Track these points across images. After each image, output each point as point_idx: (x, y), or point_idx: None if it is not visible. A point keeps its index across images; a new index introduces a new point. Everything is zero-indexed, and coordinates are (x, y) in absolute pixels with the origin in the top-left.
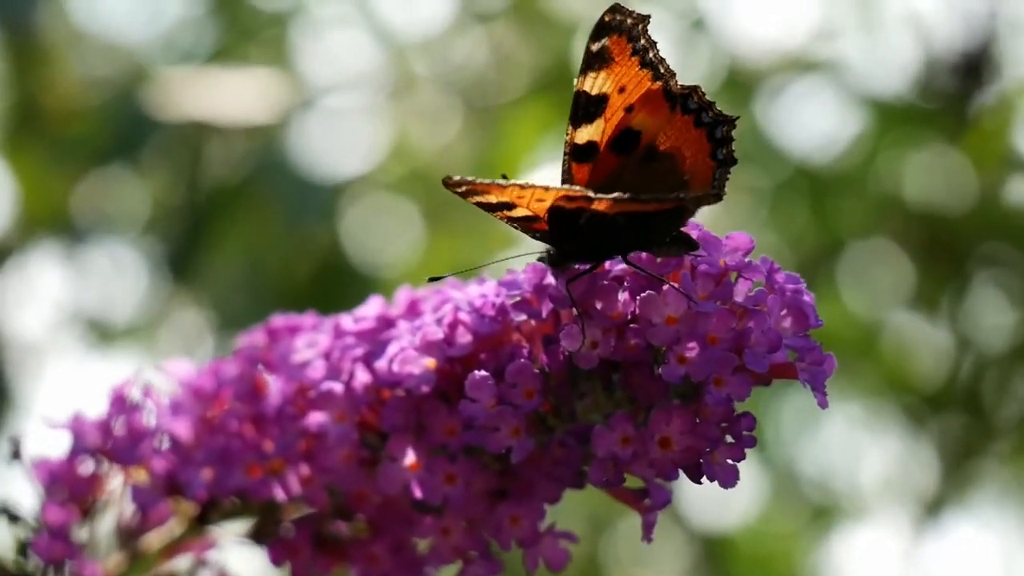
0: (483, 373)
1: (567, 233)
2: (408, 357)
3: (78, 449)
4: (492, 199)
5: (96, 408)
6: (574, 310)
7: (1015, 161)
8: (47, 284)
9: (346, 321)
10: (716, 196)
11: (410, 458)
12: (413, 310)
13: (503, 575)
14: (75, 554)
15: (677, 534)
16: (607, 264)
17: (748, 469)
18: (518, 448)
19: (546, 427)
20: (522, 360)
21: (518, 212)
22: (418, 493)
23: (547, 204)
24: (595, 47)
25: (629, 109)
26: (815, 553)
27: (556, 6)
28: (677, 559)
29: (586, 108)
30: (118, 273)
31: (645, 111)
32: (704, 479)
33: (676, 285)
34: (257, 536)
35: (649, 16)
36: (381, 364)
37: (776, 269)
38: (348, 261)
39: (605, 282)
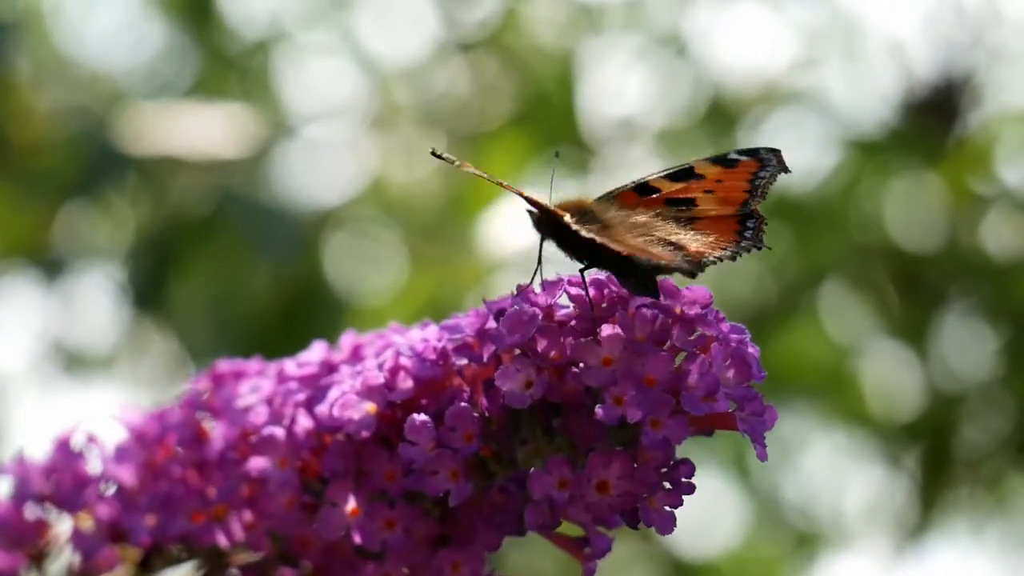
0: (423, 417)
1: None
2: (349, 402)
3: (23, 494)
4: None
5: (42, 451)
6: (516, 351)
7: (996, 190)
8: (18, 315)
9: (289, 366)
10: (695, 269)
11: (350, 503)
12: (356, 355)
13: None
14: None
15: (659, 561)
16: (554, 309)
17: (731, 496)
18: (456, 491)
19: (487, 472)
20: (462, 404)
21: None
22: (358, 539)
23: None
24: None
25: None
26: None
27: (536, 35)
28: None
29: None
30: (88, 304)
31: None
32: (641, 525)
33: (614, 327)
34: None
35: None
36: (322, 409)
37: (721, 318)
38: (324, 292)
39: (551, 323)
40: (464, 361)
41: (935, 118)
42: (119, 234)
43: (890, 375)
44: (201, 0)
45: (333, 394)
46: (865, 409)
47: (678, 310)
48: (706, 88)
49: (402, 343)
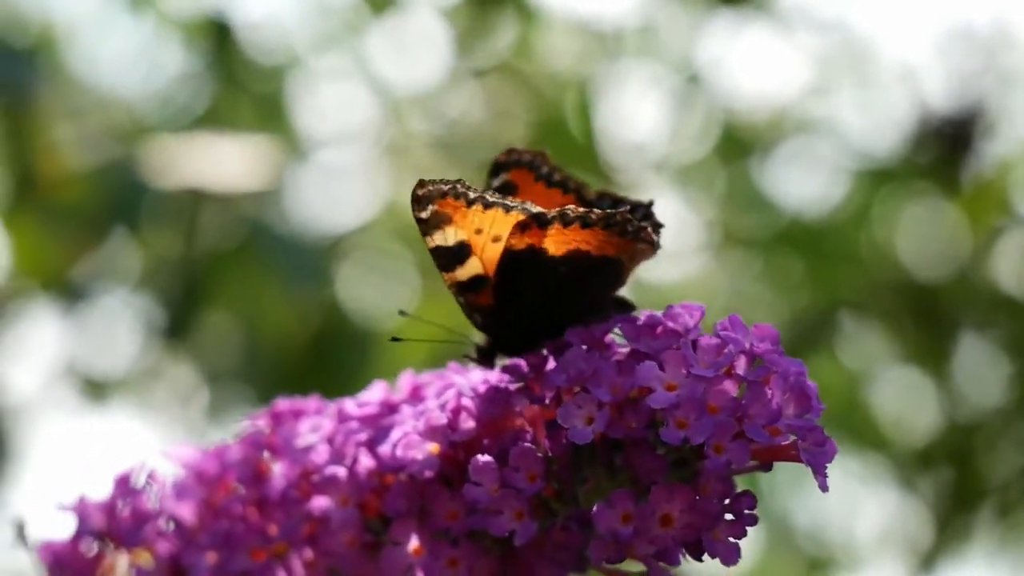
0: (487, 458)
1: (509, 305)
2: (412, 442)
3: (82, 531)
4: (451, 235)
5: (96, 478)
6: (576, 388)
7: (1010, 221)
8: (42, 341)
9: (350, 406)
10: (653, 245)
11: (413, 543)
12: (416, 395)
13: None
14: None
15: None
16: (609, 346)
17: None
18: (521, 531)
19: (549, 511)
20: (525, 444)
21: (471, 268)
22: None
23: (500, 243)
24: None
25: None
26: None
27: (549, 61)
28: None
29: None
30: (113, 330)
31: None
32: (706, 556)
33: (678, 353)
34: None
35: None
36: (384, 449)
37: (781, 352)
38: (344, 320)
39: (606, 363)
40: (525, 402)
41: (948, 145)
42: (144, 265)
43: (904, 402)
44: (219, 26)
45: (395, 434)
46: (879, 435)
47: (747, 345)
48: (719, 115)
49: (463, 383)
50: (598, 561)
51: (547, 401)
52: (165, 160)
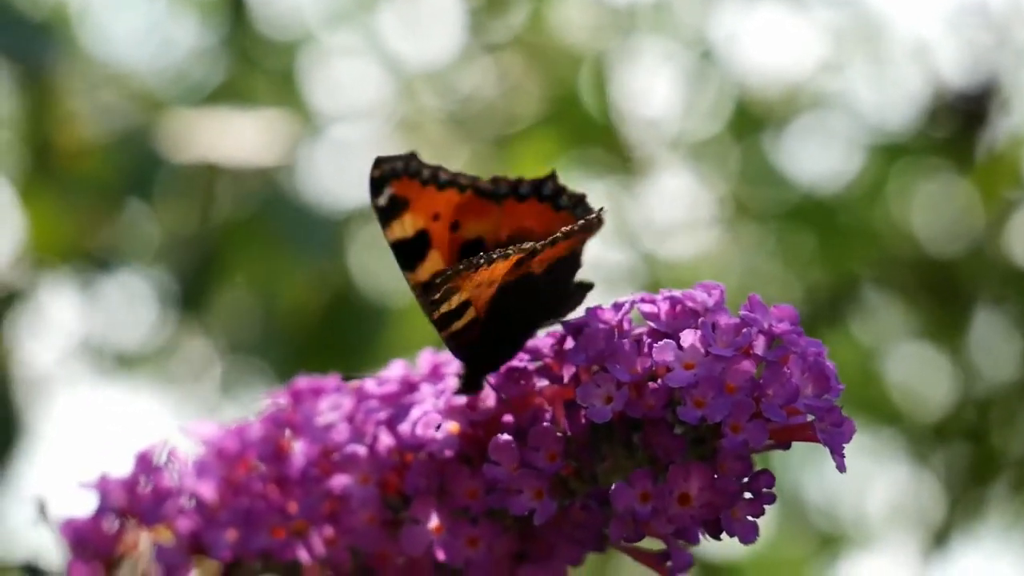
0: (506, 437)
1: (493, 332)
2: (431, 421)
3: (104, 508)
4: (455, 301)
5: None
6: (594, 368)
7: None
8: (58, 315)
9: (370, 384)
10: (599, 219)
11: (433, 521)
12: (436, 373)
13: None
14: None
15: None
16: (626, 325)
17: None
18: (541, 510)
19: (568, 490)
20: (544, 423)
21: (467, 317)
22: (441, 556)
23: (495, 285)
24: (383, 201)
25: (454, 226)
26: None
27: (563, 36)
28: None
29: (410, 251)
30: (128, 304)
31: (471, 219)
32: (724, 535)
33: (695, 333)
34: None
35: (414, 152)
36: (404, 428)
37: (800, 332)
38: (357, 294)
39: (624, 342)
40: (544, 382)
41: (961, 120)
42: (159, 238)
43: (918, 377)
44: (234, 1)
45: (415, 413)
46: (892, 411)
47: (766, 325)
48: (732, 91)
49: None
50: (617, 539)
51: (566, 381)
52: (181, 133)
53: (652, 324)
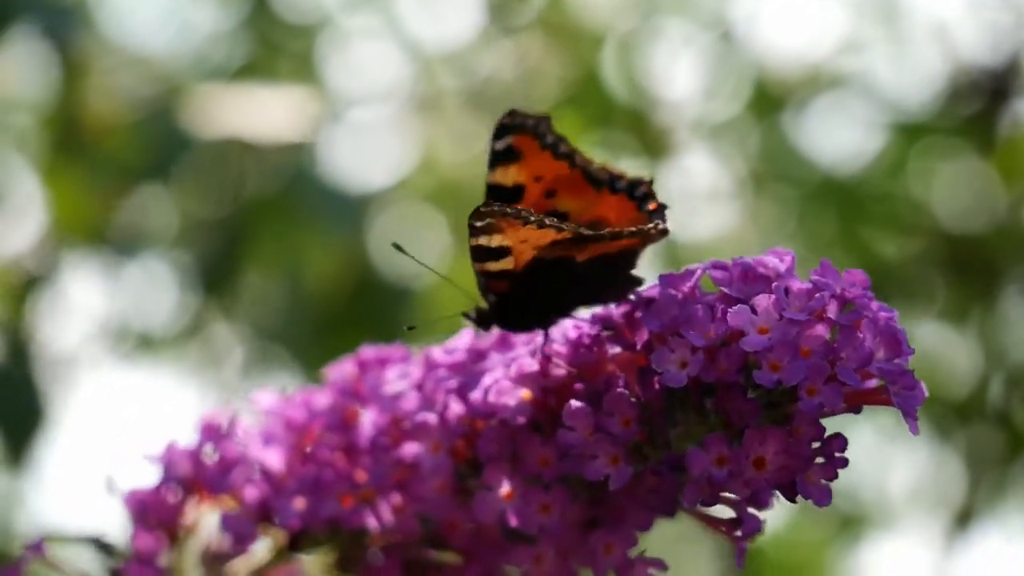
0: (581, 403)
1: (524, 294)
2: (504, 388)
3: (168, 478)
4: (496, 241)
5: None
6: (669, 334)
7: None
8: (82, 297)
9: (437, 353)
10: (664, 232)
11: (505, 488)
12: (504, 342)
13: None
14: None
15: (707, 544)
16: (697, 292)
17: None
18: (616, 476)
19: (641, 456)
20: (619, 389)
21: (504, 264)
22: (514, 522)
23: (537, 251)
24: (500, 145)
25: (549, 194)
26: (844, 563)
27: (582, 18)
28: (706, 568)
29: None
30: (152, 286)
31: (568, 194)
32: (799, 498)
33: (769, 298)
34: (344, 564)
35: (549, 116)
36: (476, 395)
37: (871, 297)
38: (381, 274)
39: (698, 307)
40: (617, 349)
41: (982, 100)
42: (186, 215)
43: (941, 357)
44: None
45: (487, 380)
46: None
47: (838, 290)
48: (752, 71)
49: (553, 330)
50: (692, 503)
51: (638, 347)
52: (205, 110)
53: (724, 290)
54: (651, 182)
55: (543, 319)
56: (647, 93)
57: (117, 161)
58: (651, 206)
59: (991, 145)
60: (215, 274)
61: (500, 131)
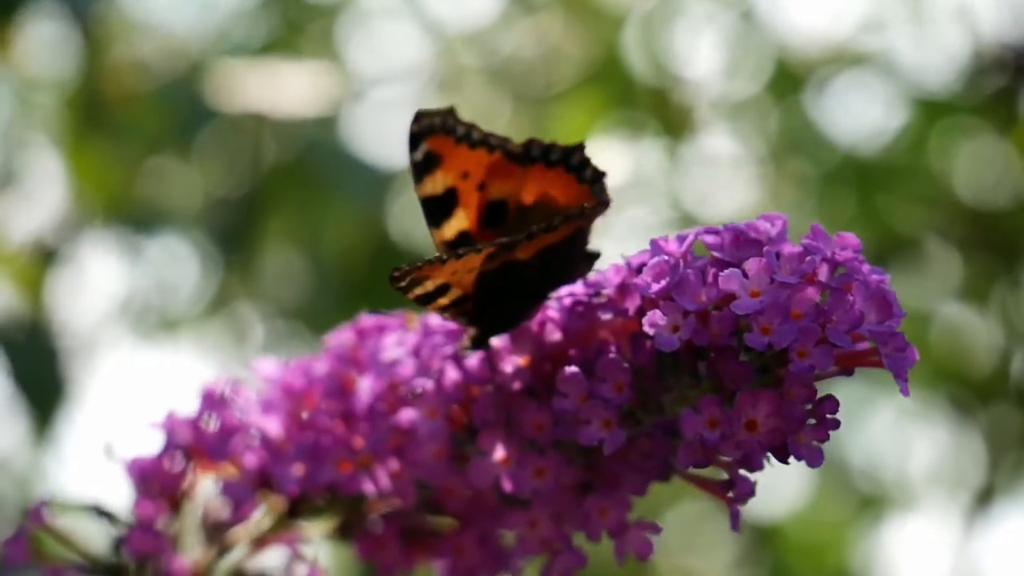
0: (574, 369)
1: (491, 302)
2: (499, 354)
3: (170, 445)
4: (430, 285)
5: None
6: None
7: None
8: (102, 273)
9: (434, 319)
10: (605, 203)
11: (500, 453)
12: None
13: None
14: (164, 547)
15: (727, 523)
16: (689, 257)
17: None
18: (610, 440)
19: (634, 420)
20: (611, 355)
21: (452, 295)
22: (508, 487)
23: (475, 271)
24: (418, 156)
25: (481, 187)
26: (865, 542)
27: None
28: (726, 548)
29: (438, 208)
30: (173, 263)
31: (498, 180)
32: (791, 459)
33: (760, 262)
34: (343, 531)
35: (452, 107)
36: (471, 362)
37: (862, 260)
38: (400, 250)
39: (689, 272)
40: (608, 315)
41: (1003, 77)
42: (207, 190)
43: (962, 337)
44: None
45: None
46: (936, 370)
47: (829, 253)
48: (772, 50)
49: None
50: (685, 466)
51: (630, 313)
52: (227, 85)
53: (716, 254)
54: (583, 148)
55: (524, 313)
56: (668, 72)
57: (139, 131)
58: (589, 175)
59: (1013, 123)
60: (236, 248)
61: (413, 140)
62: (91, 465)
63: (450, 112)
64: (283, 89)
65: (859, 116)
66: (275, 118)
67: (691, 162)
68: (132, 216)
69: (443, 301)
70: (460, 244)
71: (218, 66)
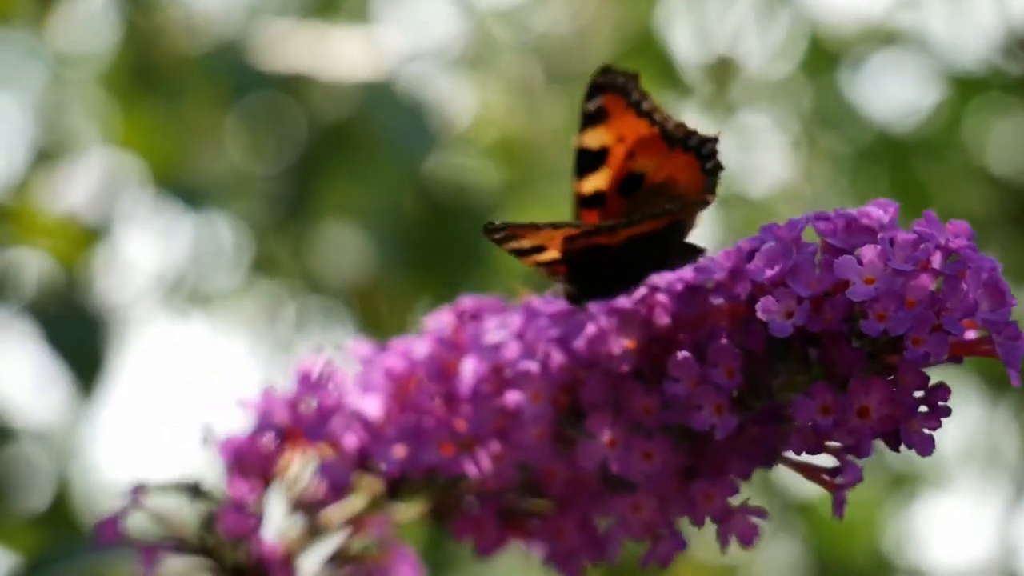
0: (686, 353)
1: (585, 272)
2: (607, 337)
3: (264, 425)
4: (526, 243)
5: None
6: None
7: None
8: (145, 248)
9: (538, 302)
10: (704, 201)
11: (607, 435)
12: None
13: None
14: (257, 527)
15: (759, 502)
16: (800, 242)
17: None
18: (722, 425)
19: (744, 406)
20: (723, 340)
21: (547, 255)
22: (616, 469)
23: (558, 244)
24: (591, 107)
25: (630, 155)
26: (898, 520)
27: None
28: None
29: (589, 161)
30: (215, 237)
31: (646, 154)
32: (902, 447)
33: (875, 248)
34: (438, 512)
35: (638, 73)
36: (579, 344)
37: (975, 248)
38: (456, 208)
39: (803, 257)
40: (720, 300)
41: None
42: (258, 152)
43: None
44: None
45: (590, 329)
46: None
47: (942, 241)
48: (806, 27)
49: (658, 281)
50: (798, 452)
51: (742, 298)
52: (276, 46)
53: (829, 241)
54: (716, 140)
55: (617, 289)
56: (702, 49)
57: (190, 95)
58: (710, 165)
59: None
60: (293, 215)
61: (592, 90)
62: (127, 438)
63: (634, 76)
64: (334, 51)
65: (893, 94)
66: (326, 81)
67: (724, 141)
68: (183, 184)
69: (539, 258)
70: (593, 201)
71: (266, 28)
